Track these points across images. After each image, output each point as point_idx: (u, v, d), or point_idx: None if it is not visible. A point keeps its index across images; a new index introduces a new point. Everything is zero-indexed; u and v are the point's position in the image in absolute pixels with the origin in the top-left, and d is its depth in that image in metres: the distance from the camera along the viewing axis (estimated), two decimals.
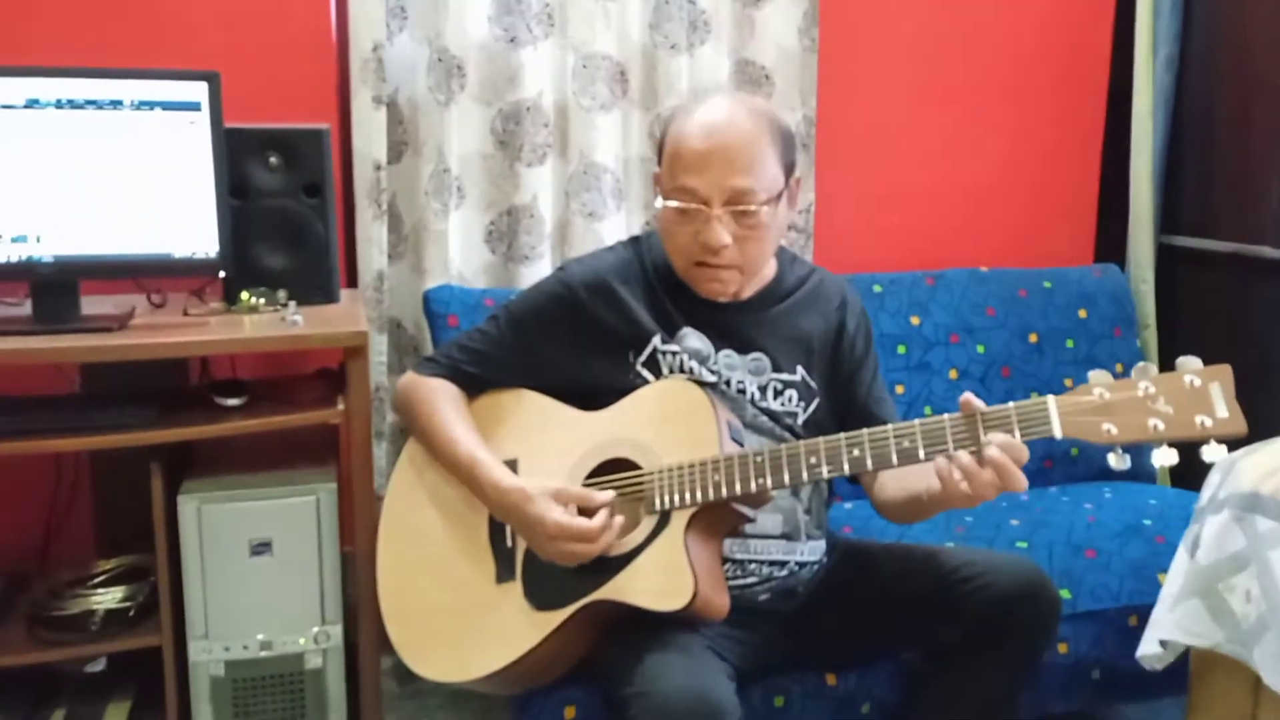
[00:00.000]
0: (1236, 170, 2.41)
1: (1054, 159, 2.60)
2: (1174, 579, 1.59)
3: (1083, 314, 2.39)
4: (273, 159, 1.86)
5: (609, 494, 1.43)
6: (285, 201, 1.86)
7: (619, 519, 1.41)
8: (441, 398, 1.58)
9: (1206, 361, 1.28)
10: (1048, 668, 1.72)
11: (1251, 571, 1.46)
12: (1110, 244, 2.62)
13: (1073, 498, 2.16)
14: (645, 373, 1.54)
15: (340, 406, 1.74)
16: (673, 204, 1.47)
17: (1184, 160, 2.53)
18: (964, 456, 1.29)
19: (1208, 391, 1.23)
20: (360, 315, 1.85)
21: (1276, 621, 1.40)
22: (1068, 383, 2.33)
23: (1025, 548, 1.88)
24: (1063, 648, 1.75)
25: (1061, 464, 2.31)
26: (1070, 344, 2.37)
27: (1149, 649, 1.59)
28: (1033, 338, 2.35)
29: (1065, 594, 1.75)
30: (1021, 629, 1.52)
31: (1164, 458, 1.24)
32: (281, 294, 1.86)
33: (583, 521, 1.40)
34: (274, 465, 1.79)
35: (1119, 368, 2.37)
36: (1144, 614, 1.73)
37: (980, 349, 2.32)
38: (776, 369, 1.57)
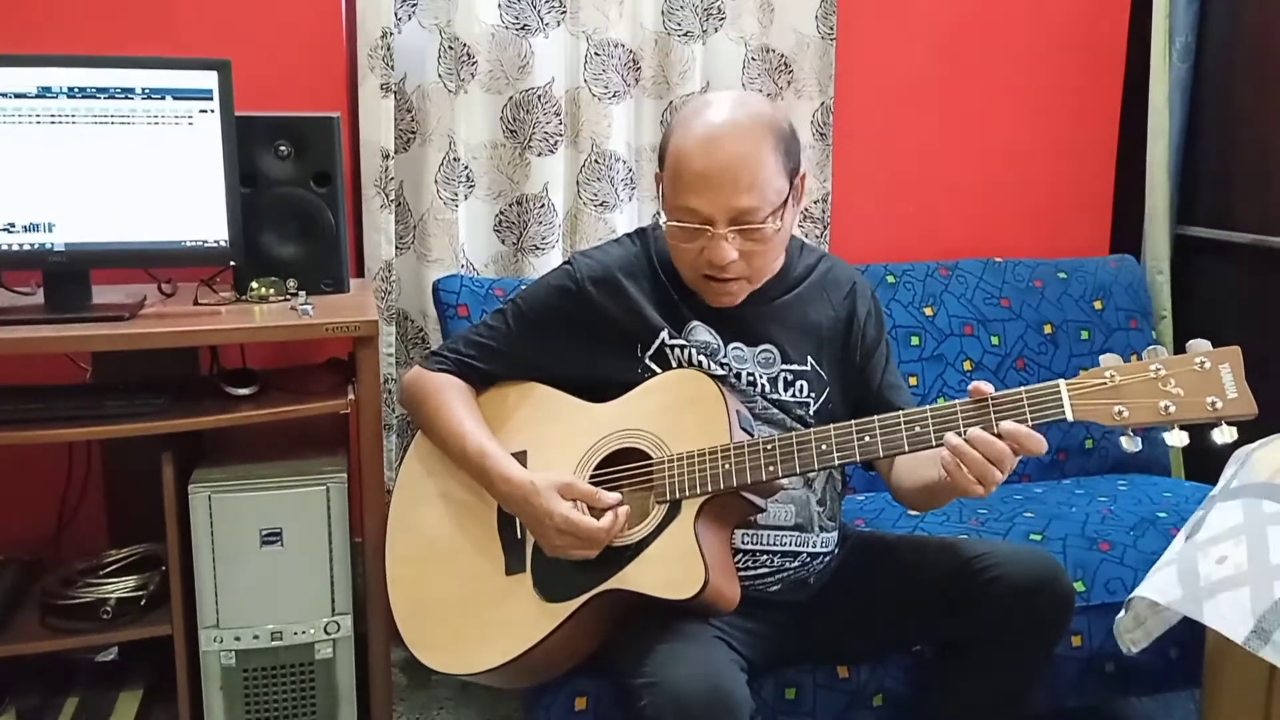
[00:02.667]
0: (1254, 160, 2.39)
1: (1070, 148, 2.57)
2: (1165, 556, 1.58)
3: (1098, 305, 2.37)
4: (283, 147, 1.85)
5: (616, 496, 1.42)
6: (295, 190, 1.86)
7: (625, 508, 1.41)
8: (449, 392, 1.58)
9: None
10: (1061, 661, 1.71)
11: (1238, 542, 1.43)
12: (1126, 234, 2.60)
13: (1087, 490, 2.14)
14: (654, 366, 1.53)
15: (350, 396, 1.74)
16: (677, 223, 1.44)
17: (1201, 150, 2.50)
18: (977, 430, 1.28)
19: (1217, 373, 1.23)
20: (370, 304, 1.85)
21: (1255, 579, 1.37)
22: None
23: (1039, 540, 1.86)
24: (1076, 641, 1.73)
25: (1076, 456, 2.29)
26: (1085, 336, 2.35)
27: (1120, 616, 1.58)
28: (1047, 329, 2.33)
29: (1079, 586, 1.74)
30: (1035, 622, 1.51)
31: (1175, 439, 1.24)
32: (291, 283, 1.86)
33: (590, 521, 1.39)
34: (284, 455, 1.79)
35: (1134, 359, 2.34)
36: None
37: (994, 340, 2.30)
38: (786, 360, 1.56)
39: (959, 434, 1.29)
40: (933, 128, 2.49)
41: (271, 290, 1.84)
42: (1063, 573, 1.53)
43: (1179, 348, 2.48)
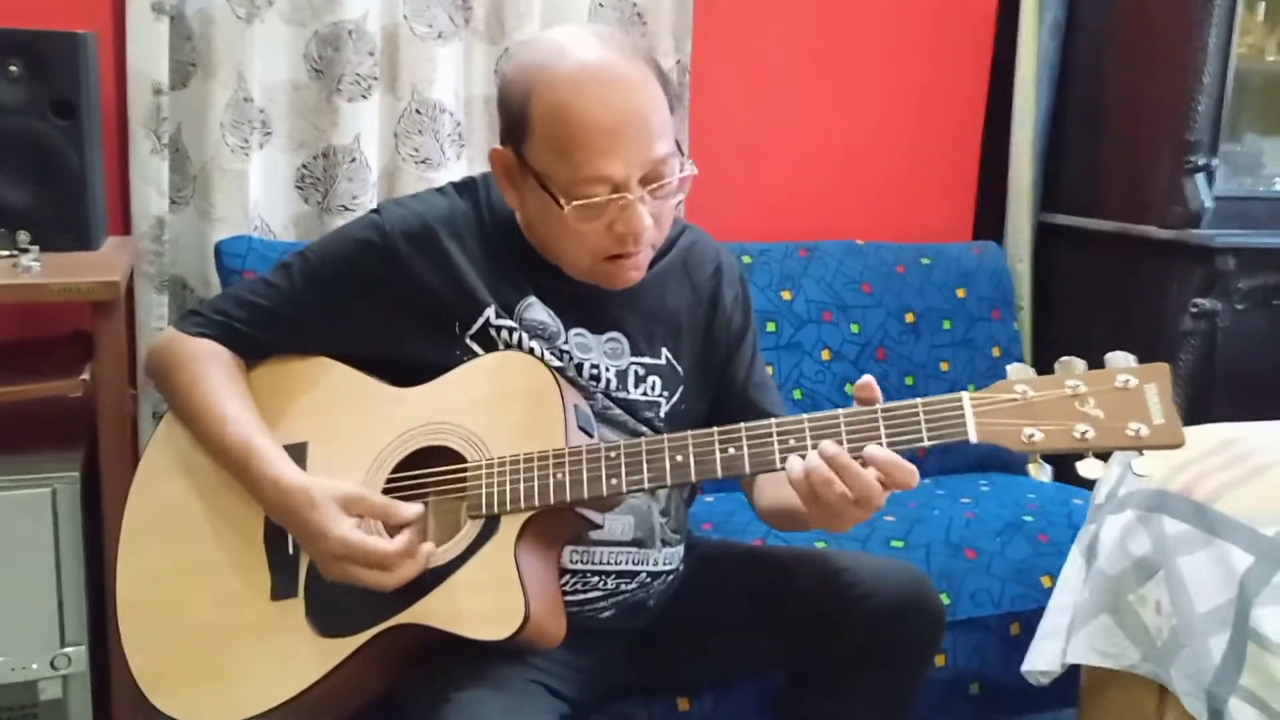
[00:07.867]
0: (1123, 145, 2.31)
1: (934, 127, 2.45)
2: (1071, 587, 1.42)
3: (961, 294, 2.25)
4: (12, 67, 1.51)
5: (417, 508, 1.15)
6: (26, 121, 1.53)
7: (428, 546, 1.13)
8: (209, 364, 1.25)
9: (1086, 349, 1.07)
10: (923, 683, 1.54)
11: (1159, 579, 1.30)
12: (991, 220, 2.50)
13: (948, 491, 2.02)
14: (476, 348, 1.26)
15: (84, 376, 1.40)
16: (586, 201, 1.15)
17: (1067, 134, 2.42)
18: (837, 450, 1.04)
19: (1143, 394, 1.02)
20: (121, 264, 1.51)
21: (1190, 637, 1.23)
22: (944, 366, 2.21)
23: (901, 547, 1.72)
24: (940, 660, 1.59)
25: (934, 453, 2.16)
26: (947, 325, 2.22)
27: (1040, 664, 1.42)
28: (909, 318, 2.19)
29: (944, 599, 1.59)
30: (905, 644, 1.32)
31: (1090, 469, 1.02)
32: (23, 236, 1.52)
33: (378, 543, 1.11)
34: (8, 450, 1.44)
35: (996, 351, 2.26)
36: (1026, 621, 1.60)
37: (854, 328, 2.14)
38: (637, 352, 1.31)
39: (821, 456, 1.04)
40: (794, 98, 2.31)
41: None
42: (933, 589, 1.35)
43: (1037, 341, 2.44)
